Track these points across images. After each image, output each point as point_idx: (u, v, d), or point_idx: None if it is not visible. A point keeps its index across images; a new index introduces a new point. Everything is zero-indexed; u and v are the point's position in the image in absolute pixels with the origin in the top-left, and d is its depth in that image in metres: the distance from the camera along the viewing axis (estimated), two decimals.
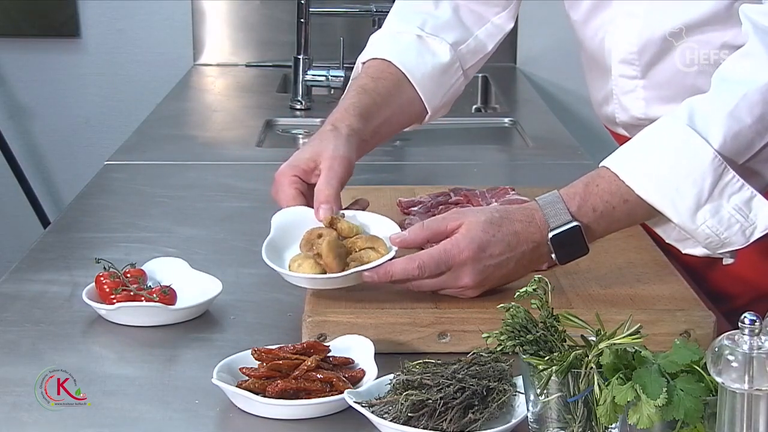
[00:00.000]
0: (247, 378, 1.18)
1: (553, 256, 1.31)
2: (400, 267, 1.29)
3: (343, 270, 1.29)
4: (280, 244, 1.36)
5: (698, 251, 1.33)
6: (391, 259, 1.30)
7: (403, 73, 1.56)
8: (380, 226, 1.38)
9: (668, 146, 1.29)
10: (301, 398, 1.16)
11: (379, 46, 1.61)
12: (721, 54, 1.46)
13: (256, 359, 1.20)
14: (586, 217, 1.30)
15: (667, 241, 1.36)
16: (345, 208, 1.41)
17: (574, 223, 1.30)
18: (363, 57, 1.61)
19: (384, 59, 1.57)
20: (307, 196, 1.42)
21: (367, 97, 1.52)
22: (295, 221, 1.37)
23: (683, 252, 1.35)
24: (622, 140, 1.63)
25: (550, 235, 1.30)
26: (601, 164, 1.33)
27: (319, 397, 1.16)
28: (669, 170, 1.28)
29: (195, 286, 1.43)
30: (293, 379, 1.17)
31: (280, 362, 1.19)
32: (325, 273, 1.30)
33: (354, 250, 1.32)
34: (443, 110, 1.66)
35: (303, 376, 1.17)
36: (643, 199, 1.29)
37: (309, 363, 1.18)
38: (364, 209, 1.44)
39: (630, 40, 1.52)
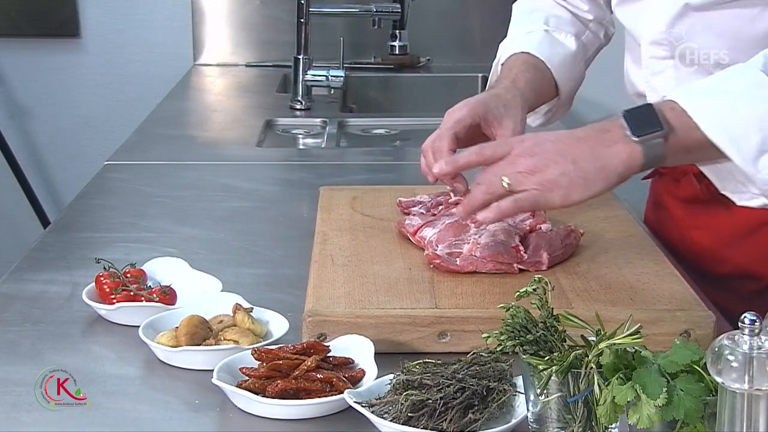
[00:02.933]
0: (247, 378, 1.18)
1: (627, 132, 1.25)
2: (464, 155, 1.36)
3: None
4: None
5: (754, 202, 1.30)
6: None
7: (541, 61, 1.68)
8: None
9: (738, 88, 1.27)
10: (301, 398, 1.16)
11: (514, 44, 1.72)
12: (750, 29, 1.45)
13: (256, 359, 1.20)
14: (660, 107, 1.27)
15: (722, 192, 1.33)
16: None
17: (648, 104, 1.29)
18: (500, 60, 1.71)
19: (524, 52, 1.69)
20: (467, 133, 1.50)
21: (529, 72, 1.64)
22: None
23: (738, 204, 1.32)
24: None
25: (622, 111, 1.27)
26: (668, 96, 1.30)
27: (319, 397, 1.16)
28: (736, 112, 1.25)
29: (195, 286, 1.43)
30: (293, 379, 1.17)
31: (280, 362, 1.19)
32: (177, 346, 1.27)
33: (221, 339, 1.29)
34: (568, 104, 1.77)
35: (303, 376, 1.17)
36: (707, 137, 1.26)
37: (309, 363, 1.18)
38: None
39: (659, 19, 1.53)
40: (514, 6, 1.83)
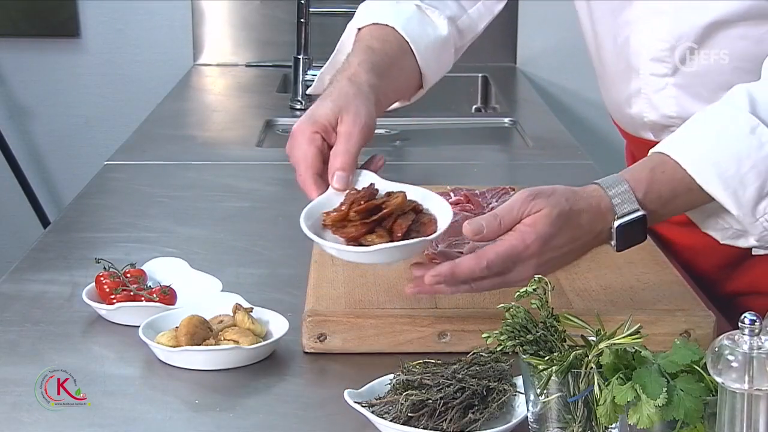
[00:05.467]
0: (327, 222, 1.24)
1: (612, 243, 1.27)
2: (467, 267, 1.22)
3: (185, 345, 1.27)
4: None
5: (742, 243, 1.30)
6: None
7: (406, 42, 1.49)
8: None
9: (732, 136, 1.25)
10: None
11: (379, 12, 1.52)
12: (757, 49, 1.42)
13: (325, 225, 1.24)
14: (651, 204, 1.26)
15: (721, 242, 1.32)
16: (360, 167, 1.33)
17: (641, 213, 1.25)
18: (359, 23, 1.53)
19: (387, 25, 1.50)
20: (326, 154, 1.34)
21: (377, 56, 1.44)
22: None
23: (721, 242, 1.32)
24: (640, 145, 1.59)
25: (616, 224, 1.26)
26: (661, 150, 1.28)
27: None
28: (734, 161, 1.24)
29: (195, 286, 1.43)
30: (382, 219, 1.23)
31: (362, 204, 1.23)
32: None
33: (221, 339, 1.29)
34: (425, 90, 1.57)
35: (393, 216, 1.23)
36: (705, 191, 1.25)
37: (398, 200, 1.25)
38: (379, 169, 1.36)
39: (661, 36, 1.49)
40: None
